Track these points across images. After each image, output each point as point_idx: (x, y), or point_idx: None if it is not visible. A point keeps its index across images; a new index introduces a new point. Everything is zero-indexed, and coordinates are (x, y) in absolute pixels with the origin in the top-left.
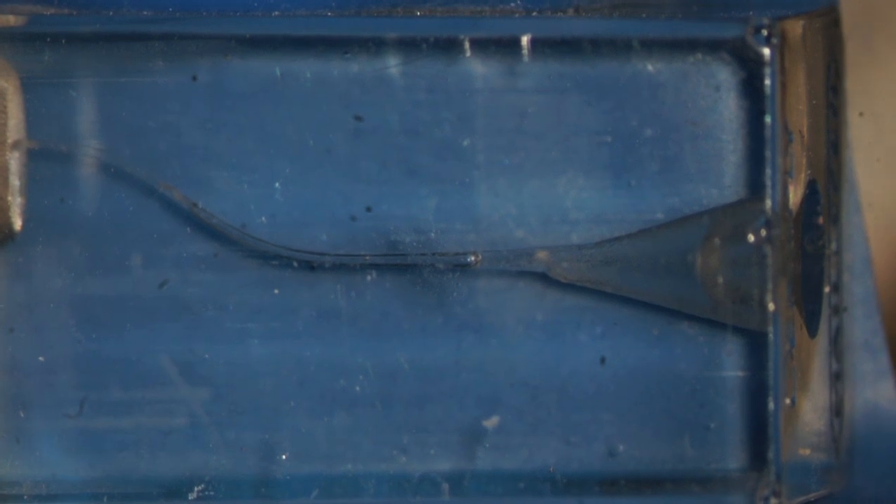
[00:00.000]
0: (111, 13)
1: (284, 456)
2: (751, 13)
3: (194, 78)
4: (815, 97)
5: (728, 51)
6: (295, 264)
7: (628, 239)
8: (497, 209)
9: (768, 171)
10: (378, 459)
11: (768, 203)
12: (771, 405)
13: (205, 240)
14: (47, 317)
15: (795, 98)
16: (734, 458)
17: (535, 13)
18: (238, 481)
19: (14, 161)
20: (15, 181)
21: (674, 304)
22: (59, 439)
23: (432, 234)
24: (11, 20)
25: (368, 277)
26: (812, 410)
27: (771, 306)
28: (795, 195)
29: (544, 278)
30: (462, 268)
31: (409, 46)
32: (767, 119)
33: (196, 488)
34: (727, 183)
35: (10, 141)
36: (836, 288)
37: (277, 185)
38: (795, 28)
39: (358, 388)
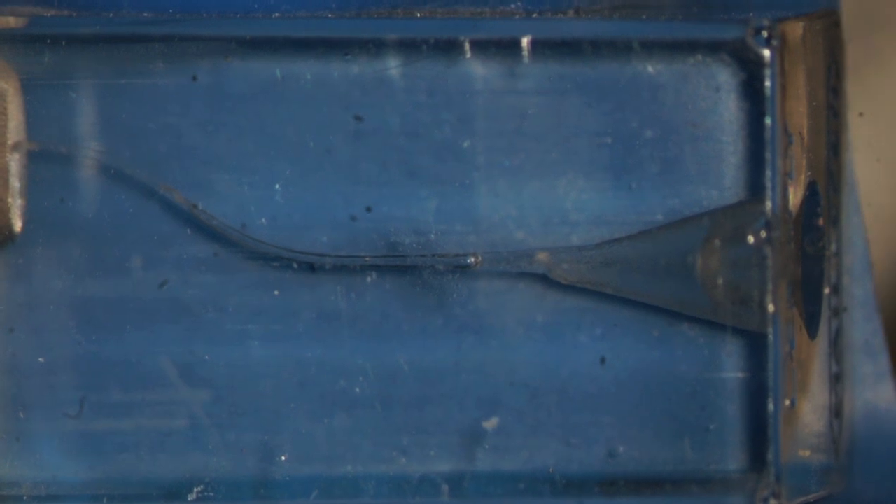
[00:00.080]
0: (111, 15)
1: (284, 457)
2: (751, 15)
3: (194, 79)
4: (816, 99)
5: (728, 52)
6: (295, 266)
7: (628, 240)
8: (497, 210)
9: (768, 173)
10: (378, 461)
11: (768, 204)
12: (771, 406)
13: (205, 241)
14: (47, 318)
15: (795, 100)
16: (734, 460)
17: (535, 15)
18: (238, 483)
19: (14, 163)
20: (15, 183)
21: (674, 305)
22: (59, 440)
23: (432, 236)
24: (11, 22)
25: (368, 279)
26: (812, 412)
27: (771, 308)
28: (795, 197)
29: (544, 280)
30: (462, 269)
31: (409, 48)
32: (767, 120)
33: (196, 489)
34: (727, 184)
35: (10, 142)
36: (836, 289)
37: (278, 186)
38: (796, 29)
39: (358, 390)
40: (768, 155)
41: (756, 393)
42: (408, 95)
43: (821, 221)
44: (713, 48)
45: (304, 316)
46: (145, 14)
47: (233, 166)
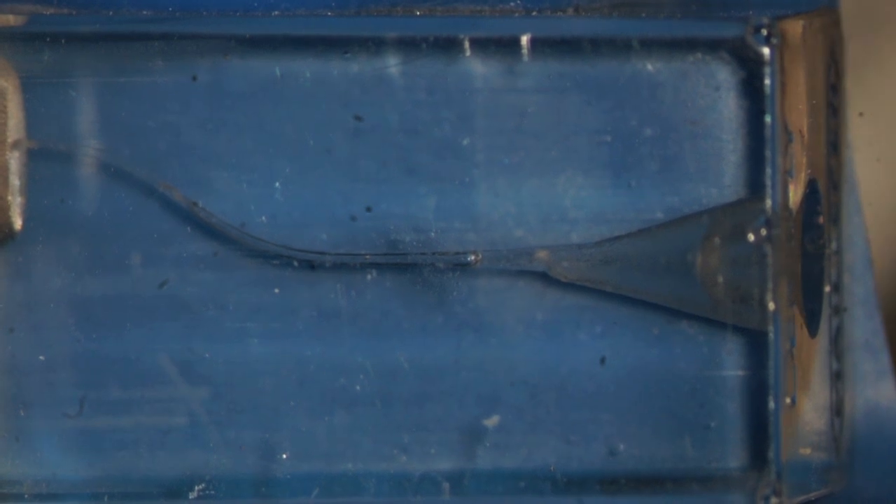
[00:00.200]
0: (111, 13)
1: (285, 455)
2: (750, 13)
3: (194, 78)
4: (815, 97)
5: (728, 50)
6: (295, 264)
7: (628, 238)
8: (497, 208)
9: (768, 171)
10: (378, 458)
11: (768, 203)
12: (771, 404)
13: (205, 239)
14: (47, 316)
15: (795, 98)
16: (734, 458)
17: (534, 13)
18: (238, 480)
19: (14, 161)
20: (15, 181)
21: (674, 303)
22: (59, 438)
23: (432, 234)
24: (11, 20)
25: (368, 277)
26: (812, 410)
27: (771, 306)
28: (795, 195)
29: (544, 277)
30: (462, 267)
31: (408, 46)
32: (767, 119)
33: (196, 487)
34: (727, 182)
35: (10, 141)
36: (837, 287)
37: (277, 184)
38: (795, 28)
39: (358, 388)
40: (768, 153)
41: (757, 391)
42: (407, 93)
43: (821, 219)
44: (713, 46)
45: (303, 314)
46: (145, 12)
47: (232, 164)
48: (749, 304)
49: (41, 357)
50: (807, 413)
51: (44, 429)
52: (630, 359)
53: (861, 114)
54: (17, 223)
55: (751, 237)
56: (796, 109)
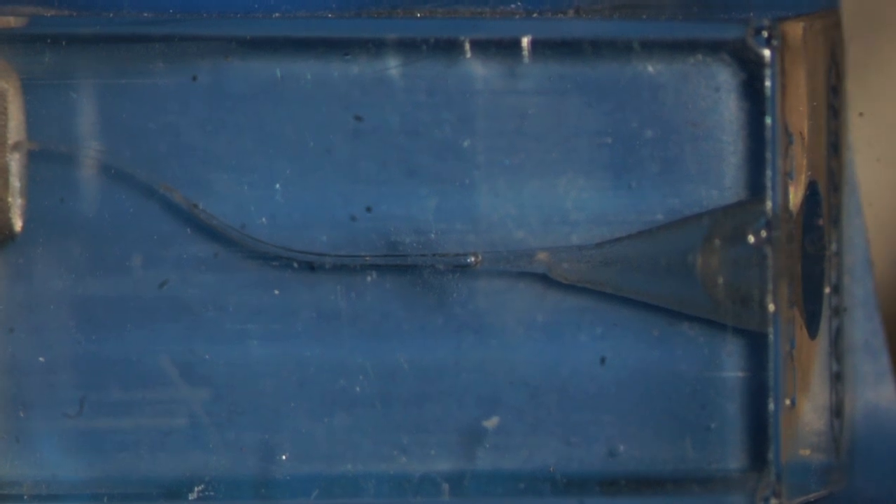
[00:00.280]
0: (111, 15)
1: (284, 456)
2: (751, 14)
3: (194, 79)
4: (816, 98)
5: (728, 52)
6: (295, 265)
7: (628, 240)
8: (497, 210)
9: (769, 173)
10: (378, 460)
11: (769, 204)
12: (771, 406)
13: (205, 241)
14: (47, 317)
15: (796, 99)
16: (734, 459)
17: (535, 14)
18: (238, 482)
19: (14, 162)
20: (15, 182)
21: (674, 304)
22: (59, 439)
23: (432, 235)
24: (12, 21)
25: (368, 278)
26: (812, 411)
27: (771, 307)
28: (796, 196)
29: (544, 279)
30: (462, 268)
31: (409, 48)
32: (768, 120)
33: (196, 489)
34: (727, 184)
35: (10, 142)
36: (837, 289)
37: (277, 185)
38: (796, 29)
39: (358, 389)
40: (768, 154)
41: (756, 392)
42: (408, 95)
43: (821, 221)
44: (713, 48)
45: (303, 315)
46: (145, 14)
47: (233, 166)
48: (749, 305)
49: (41, 358)
50: (807, 414)
51: (44, 430)
52: (630, 360)
53: (861, 114)
54: (18, 224)
55: (751, 239)
56: (797, 111)
